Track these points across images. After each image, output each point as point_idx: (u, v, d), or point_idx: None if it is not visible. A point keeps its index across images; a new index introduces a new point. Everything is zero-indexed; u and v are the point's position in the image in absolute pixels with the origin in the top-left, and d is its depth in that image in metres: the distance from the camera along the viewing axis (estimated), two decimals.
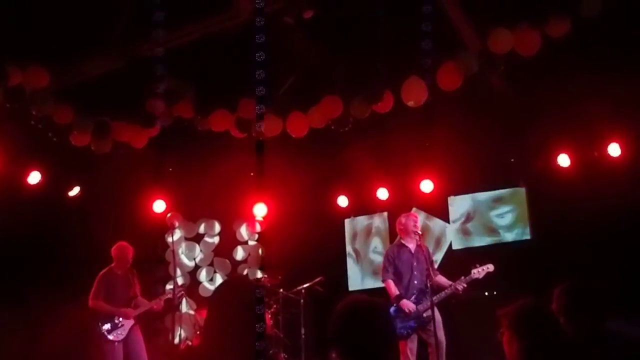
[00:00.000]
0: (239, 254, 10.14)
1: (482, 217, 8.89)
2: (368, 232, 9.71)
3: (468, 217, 8.98)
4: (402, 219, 7.22)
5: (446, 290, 6.76)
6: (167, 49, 6.71)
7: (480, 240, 8.82)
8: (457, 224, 9.00)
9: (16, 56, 6.65)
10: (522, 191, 8.69)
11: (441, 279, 6.93)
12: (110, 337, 7.07)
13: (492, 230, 8.81)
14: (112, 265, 7.37)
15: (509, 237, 8.67)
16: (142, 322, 7.48)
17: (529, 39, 6.39)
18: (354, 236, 9.78)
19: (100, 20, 6.72)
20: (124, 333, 7.15)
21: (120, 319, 7.17)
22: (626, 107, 7.03)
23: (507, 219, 8.75)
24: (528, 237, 8.51)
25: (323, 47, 7.43)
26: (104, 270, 7.32)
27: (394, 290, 6.91)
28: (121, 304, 7.23)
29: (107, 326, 7.10)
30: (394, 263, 7.03)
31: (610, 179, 7.46)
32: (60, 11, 6.35)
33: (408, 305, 6.76)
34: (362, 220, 9.75)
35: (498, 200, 8.88)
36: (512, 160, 8.66)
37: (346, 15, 6.84)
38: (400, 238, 7.24)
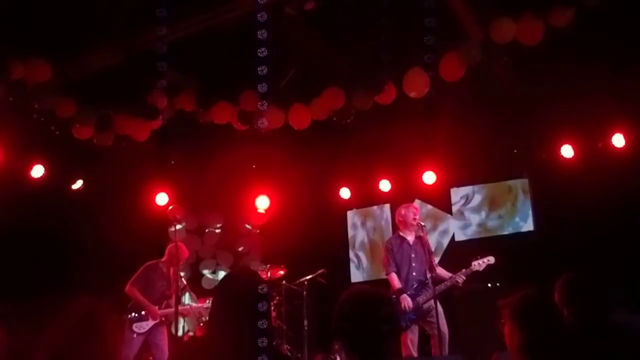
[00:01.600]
0: (242, 244, 10.15)
1: (484, 209, 8.88)
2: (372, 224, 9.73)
3: (469, 205, 8.99)
4: (402, 210, 7.21)
5: (446, 282, 6.73)
6: (168, 41, 6.69)
7: (483, 232, 8.82)
8: (459, 214, 9.00)
9: (18, 50, 6.64)
10: (525, 182, 8.68)
11: (441, 271, 6.92)
12: (134, 327, 7.07)
13: (494, 221, 8.81)
14: (162, 259, 7.38)
15: (511, 228, 8.66)
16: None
17: (531, 28, 6.35)
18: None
19: (101, 13, 6.71)
20: (147, 327, 7.13)
21: (148, 318, 7.15)
22: (630, 97, 7.00)
23: (510, 210, 8.74)
24: (531, 228, 8.51)
25: (324, 38, 7.40)
26: (151, 262, 7.34)
27: (396, 283, 6.90)
28: (155, 300, 7.21)
29: (134, 315, 7.11)
30: (394, 255, 7.03)
31: (614, 170, 7.43)
32: (62, 4, 6.33)
33: (406, 301, 6.73)
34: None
35: (501, 191, 8.87)
36: (515, 151, 8.63)
37: (347, 7, 6.81)
38: (399, 230, 7.22)
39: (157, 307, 7.21)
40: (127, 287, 7.18)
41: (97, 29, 6.85)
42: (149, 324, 7.15)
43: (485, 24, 6.60)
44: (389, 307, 2.62)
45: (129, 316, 7.10)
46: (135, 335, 7.07)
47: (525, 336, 2.93)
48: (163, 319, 7.24)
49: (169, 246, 7.42)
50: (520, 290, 3.08)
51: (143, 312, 7.14)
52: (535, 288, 3.07)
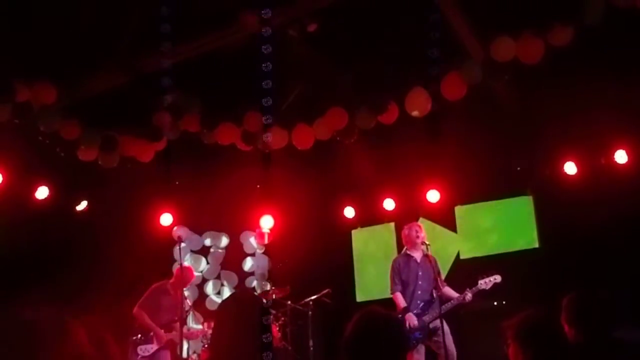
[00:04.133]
0: (247, 264, 10.14)
1: (488, 226, 8.87)
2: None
3: (473, 223, 8.98)
4: (405, 230, 7.22)
5: (452, 301, 6.71)
6: (172, 63, 6.76)
7: (487, 250, 8.79)
8: (463, 232, 8.99)
9: (24, 73, 6.71)
10: (529, 199, 8.67)
11: (448, 290, 6.89)
12: (138, 350, 7.04)
13: (499, 239, 8.79)
14: (170, 281, 7.37)
15: (517, 245, 8.64)
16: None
17: (532, 47, 6.39)
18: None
19: (106, 36, 6.78)
20: (151, 351, 7.10)
21: (153, 342, 7.12)
22: (632, 113, 7.02)
23: (515, 228, 8.72)
24: (536, 245, 8.48)
25: (327, 58, 7.46)
26: (158, 283, 7.32)
27: (401, 302, 6.87)
28: (162, 324, 7.18)
29: (139, 337, 7.09)
30: (400, 274, 7.01)
31: (618, 186, 7.43)
32: (67, 27, 6.41)
33: (411, 320, 6.71)
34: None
35: (505, 209, 8.86)
36: (519, 168, 8.64)
37: (349, 27, 6.87)
38: (407, 248, 7.23)
39: (163, 330, 7.18)
40: (135, 310, 7.15)
41: (101, 52, 6.92)
42: (154, 347, 7.12)
43: (485, 43, 6.65)
44: (398, 329, 2.63)
45: (134, 338, 7.07)
46: (139, 358, 7.03)
47: (530, 356, 2.92)
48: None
49: (178, 268, 7.39)
50: (524, 311, 3.07)
51: (150, 335, 7.10)
52: (538, 308, 3.06)
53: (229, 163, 8.27)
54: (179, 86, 7.07)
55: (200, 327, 8.29)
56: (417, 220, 8.29)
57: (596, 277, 7.00)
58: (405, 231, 7.22)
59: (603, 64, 6.55)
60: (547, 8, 6.23)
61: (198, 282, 10.00)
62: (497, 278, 6.76)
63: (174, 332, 7.16)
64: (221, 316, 8.08)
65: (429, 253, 6.80)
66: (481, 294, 6.82)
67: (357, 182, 8.96)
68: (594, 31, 6.09)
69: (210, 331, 7.61)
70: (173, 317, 7.23)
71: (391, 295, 7.08)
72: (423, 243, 6.86)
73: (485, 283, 6.73)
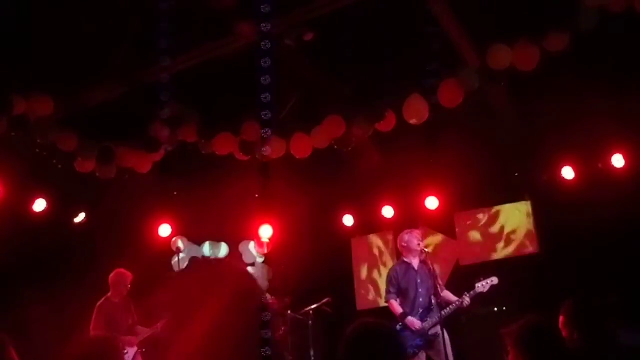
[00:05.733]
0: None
1: (487, 232, 8.88)
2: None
3: (473, 230, 8.98)
4: (405, 236, 7.15)
5: (451, 306, 6.68)
6: (169, 74, 6.77)
7: (487, 256, 8.79)
8: (462, 239, 8.99)
9: (20, 85, 6.71)
10: (528, 204, 8.68)
11: (448, 295, 6.87)
12: None
13: (498, 245, 8.79)
14: (109, 294, 7.29)
15: (516, 251, 8.64)
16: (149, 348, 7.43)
17: (527, 54, 6.42)
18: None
19: (102, 48, 6.79)
20: (131, 355, 7.09)
21: (125, 347, 7.09)
22: (628, 118, 7.04)
23: (514, 233, 8.73)
24: (535, 250, 8.48)
25: (324, 67, 7.48)
26: (100, 301, 7.23)
27: (397, 309, 6.84)
28: (122, 332, 7.15)
29: None
30: (398, 282, 6.98)
31: (615, 190, 7.45)
32: (63, 39, 6.42)
33: (414, 323, 6.69)
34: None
35: (504, 214, 8.87)
36: (517, 174, 8.65)
37: (346, 36, 6.89)
38: (403, 256, 7.19)
39: (129, 337, 7.19)
40: (92, 334, 7.00)
41: (98, 63, 6.92)
42: (130, 355, 7.12)
43: (482, 51, 6.67)
44: (395, 340, 2.61)
45: None
46: None
47: None
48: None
49: (110, 276, 7.33)
50: (523, 316, 3.07)
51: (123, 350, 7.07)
52: (537, 314, 3.06)
53: (227, 173, 8.26)
54: (176, 96, 7.08)
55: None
56: (416, 227, 8.28)
57: (595, 282, 7.00)
58: (404, 237, 7.15)
59: (599, 70, 6.58)
60: (542, 15, 6.27)
61: None
62: (494, 280, 6.75)
63: (139, 334, 7.29)
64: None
65: (427, 259, 6.79)
66: (481, 299, 6.80)
67: (355, 191, 8.96)
68: (589, 37, 6.12)
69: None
70: (129, 323, 7.30)
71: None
72: (422, 250, 6.85)
73: (483, 286, 6.71)
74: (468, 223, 9.05)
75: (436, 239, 9.18)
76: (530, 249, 8.54)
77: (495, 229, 8.87)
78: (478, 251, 8.90)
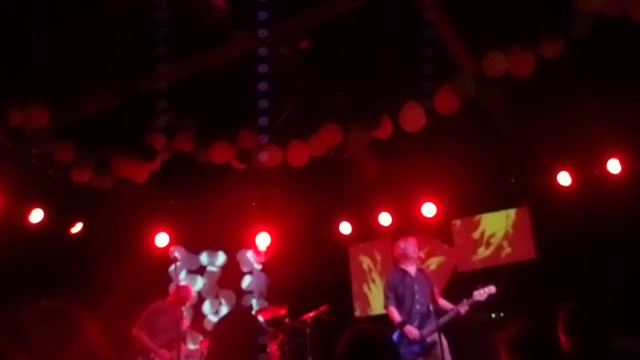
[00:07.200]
0: (245, 282, 10.08)
1: (485, 239, 8.87)
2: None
3: (470, 236, 8.98)
4: (401, 244, 7.16)
5: (449, 314, 6.68)
6: (164, 83, 6.78)
7: (484, 262, 8.78)
8: (460, 245, 8.99)
9: (16, 96, 6.71)
10: (524, 211, 8.68)
11: (444, 303, 6.88)
12: None
13: (495, 251, 8.79)
14: (167, 300, 7.30)
15: (513, 257, 8.63)
16: None
17: (522, 60, 6.45)
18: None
19: (98, 58, 6.80)
20: None
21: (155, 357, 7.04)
22: (624, 123, 7.06)
23: (511, 239, 8.72)
24: (532, 256, 8.48)
25: (320, 75, 7.49)
26: (156, 303, 7.24)
27: (396, 316, 6.84)
28: (161, 343, 7.08)
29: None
30: (395, 289, 6.97)
31: (612, 195, 7.45)
32: (58, 49, 6.42)
33: (412, 332, 6.68)
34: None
35: (501, 220, 8.87)
36: (513, 180, 8.66)
37: (342, 43, 6.91)
38: (400, 263, 7.18)
39: (164, 350, 7.09)
40: (134, 330, 7.06)
41: (93, 73, 6.93)
42: None
43: (477, 57, 6.70)
44: (390, 347, 2.61)
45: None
46: None
47: None
48: None
49: (175, 287, 7.32)
50: (515, 323, 3.07)
51: (150, 356, 7.02)
52: (530, 320, 3.06)
53: (224, 181, 8.26)
54: (172, 105, 7.08)
55: (197, 347, 8.22)
56: (413, 234, 8.28)
57: (592, 287, 7.00)
58: (401, 244, 7.17)
59: (594, 75, 6.60)
60: (536, 21, 6.30)
61: (194, 301, 9.94)
62: (492, 289, 6.76)
63: (173, 352, 7.06)
64: (217, 335, 8.03)
65: (424, 266, 6.79)
66: (477, 306, 6.80)
67: (352, 198, 8.95)
68: (585, 43, 6.15)
69: (206, 351, 7.54)
70: (171, 336, 7.12)
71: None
72: (419, 257, 6.85)
73: (480, 294, 6.72)
74: (465, 229, 9.04)
75: (433, 245, 9.16)
76: (527, 255, 8.53)
77: (492, 235, 8.86)
78: (475, 258, 8.89)
